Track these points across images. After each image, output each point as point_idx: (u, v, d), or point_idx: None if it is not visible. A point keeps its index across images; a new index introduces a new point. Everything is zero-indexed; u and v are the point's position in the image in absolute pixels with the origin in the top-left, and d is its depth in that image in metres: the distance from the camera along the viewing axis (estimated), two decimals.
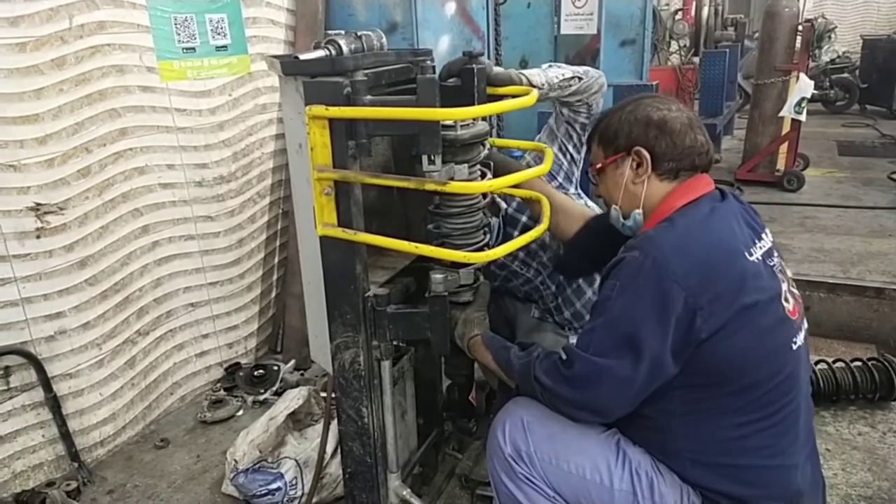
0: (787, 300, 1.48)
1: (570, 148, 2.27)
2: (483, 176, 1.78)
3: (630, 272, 1.40)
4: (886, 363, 2.76)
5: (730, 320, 1.36)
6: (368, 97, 1.55)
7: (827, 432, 2.59)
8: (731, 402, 1.42)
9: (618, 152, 1.60)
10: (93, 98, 2.52)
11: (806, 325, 1.56)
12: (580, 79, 2.09)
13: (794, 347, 1.47)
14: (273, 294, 3.53)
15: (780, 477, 1.45)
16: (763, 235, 1.54)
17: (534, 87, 1.90)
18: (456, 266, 1.77)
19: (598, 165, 1.67)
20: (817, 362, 2.84)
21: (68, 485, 2.46)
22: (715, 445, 1.45)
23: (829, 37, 6.17)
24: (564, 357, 1.46)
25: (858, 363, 2.81)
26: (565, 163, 2.28)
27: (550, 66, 2.07)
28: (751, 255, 1.45)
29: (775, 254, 1.55)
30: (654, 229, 1.50)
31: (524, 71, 1.96)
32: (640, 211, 1.60)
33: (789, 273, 1.57)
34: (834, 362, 2.82)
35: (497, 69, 1.85)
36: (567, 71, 2.07)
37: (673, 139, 1.53)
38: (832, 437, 2.57)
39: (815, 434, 1.59)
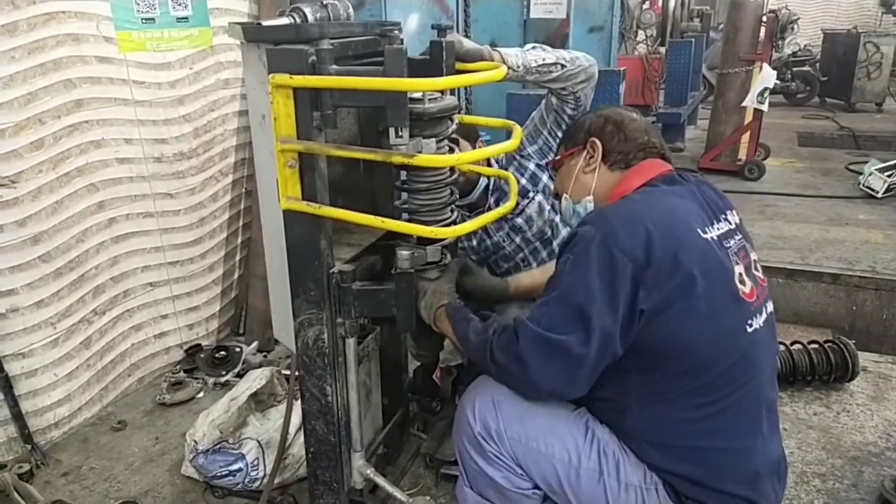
0: (742, 282, 1.45)
1: (560, 134, 2.24)
2: (451, 151, 1.75)
3: (582, 246, 1.41)
4: (842, 346, 2.82)
5: (672, 295, 1.35)
6: (334, 67, 1.51)
7: (784, 412, 2.65)
8: (684, 385, 1.41)
9: (575, 146, 1.71)
10: (47, 67, 2.43)
11: (770, 308, 1.54)
12: (563, 66, 2.01)
13: (749, 330, 1.44)
14: (236, 275, 3.46)
15: (737, 459, 1.45)
16: (723, 217, 1.53)
17: (507, 66, 1.87)
18: (422, 242, 1.75)
19: (557, 158, 1.79)
20: None
21: (20, 467, 2.39)
22: (670, 428, 1.45)
23: (792, 28, 6.26)
24: (516, 332, 1.44)
25: (815, 346, 2.86)
26: (555, 145, 2.26)
27: (534, 47, 2.00)
28: (704, 232, 1.44)
29: (737, 236, 1.53)
30: (607, 206, 1.56)
31: (502, 49, 1.91)
32: (590, 198, 1.67)
33: (754, 256, 1.56)
34: (791, 344, 2.88)
35: (468, 44, 1.81)
36: (550, 56, 1.99)
37: (625, 135, 1.64)
38: (789, 416, 2.63)
39: (778, 416, 1.59)
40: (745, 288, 1.46)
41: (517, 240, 2.38)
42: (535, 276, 2.09)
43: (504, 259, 2.46)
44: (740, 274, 1.46)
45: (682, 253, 1.37)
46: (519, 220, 2.35)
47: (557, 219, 2.29)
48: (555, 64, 2.00)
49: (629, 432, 1.50)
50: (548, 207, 2.30)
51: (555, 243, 2.32)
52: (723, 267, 1.42)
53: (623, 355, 1.40)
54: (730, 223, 1.54)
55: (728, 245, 1.48)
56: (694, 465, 1.44)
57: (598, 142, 1.64)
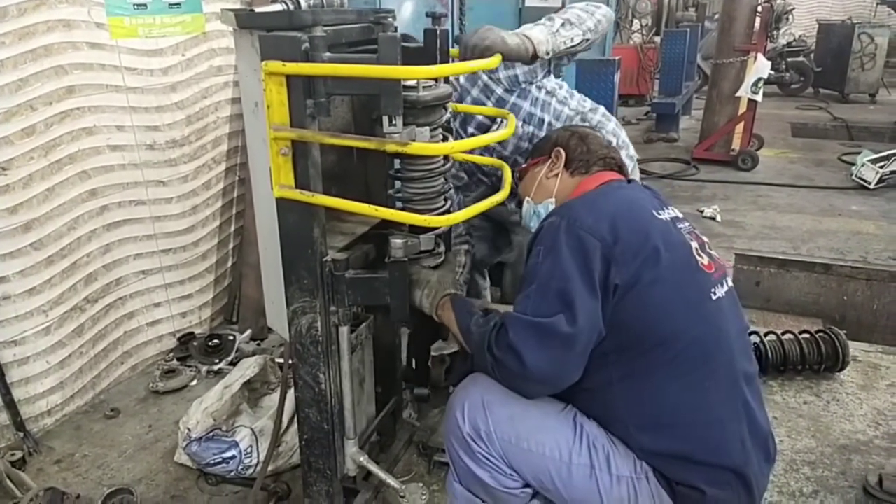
0: (700, 255, 1.56)
1: (552, 66, 2.26)
2: (445, 140, 1.75)
3: (550, 235, 1.50)
4: (833, 336, 2.84)
5: (641, 268, 1.44)
6: (328, 54, 1.50)
7: (774, 401, 2.67)
8: (659, 356, 1.46)
9: (541, 156, 1.86)
10: (38, 53, 2.41)
11: (730, 283, 1.63)
12: (587, 39, 2.04)
13: (714, 298, 1.53)
14: (229, 263, 3.46)
15: (722, 429, 1.48)
16: (670, 207, 1.67)
17: (536, 56, 1.89)
18: (416, 231, 1.75)
19: (522, 167, 1.93)
20: (766, 334, 2.91)
21: (13, 455, 2.39)
22: (655, 406, 1.48)
23: (787, 18, 6.26)
24: (504, 325, 1.46)
25: (806, 335, 2.88)
26: (540, 74, 2.28)
27: (565, 25, 1.98)
28: (659, 214, 1.58)
29: (686, 222, 1.66)
30: (568, 200, 1.68)
31: (530, 33, 1.90)
32: (552, 200, 1.80)
33: (705, 238, 1.67)
34: (783, 334, 2.90)
35: (511, 41, 1.81)
36: (577, 33, 2.00)
37: (588, 147, 1.80)
38: (779, 405, 2.65)
39: (762, 395, 1.62)
40: (704, 260, 1.56)
41: (486, 182, 2.38)
42: None
43: (484, 175, 2.48)
44: (696, 249, 1.57)
45: (644, 229, 1.50)
46: (486, 168, 2.36)
47: (532, 128, 2.29)
48: (581, 41, 2.02)
49: (615, 420, 1.52)
50: (519, 123, 2.29)
51: None
52: (681, 241, 1.55)
53: (604, 337, 1.45)
54: (677, 213, 1.67)
55: (681, 226, 1.61)
56: (681, 441, 1.46)
57: (562, 150, 1.80)
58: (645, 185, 1.78)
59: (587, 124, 2.31)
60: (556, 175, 1.80)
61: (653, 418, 1.48)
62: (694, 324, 1.49)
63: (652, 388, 1.48)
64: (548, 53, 1.91)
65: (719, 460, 1.46)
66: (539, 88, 2.32)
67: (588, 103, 2.47)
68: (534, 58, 1.92)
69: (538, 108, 2.30)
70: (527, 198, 1.88)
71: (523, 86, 2.29)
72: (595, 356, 1.47)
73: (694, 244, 1.57)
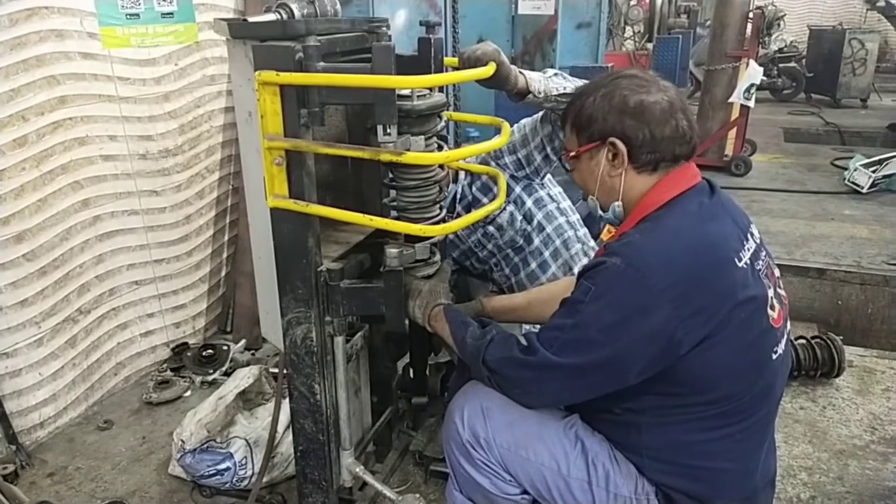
0: (772, 307, 1.41)
1: (549, 150, 2.15)
2: (440, 149, 1.75)
3: (607, 279, 1.33)
4: (828, 341, 2.84)
5: (711, 333, 1.31)
6: (322, 64, 1.50)
7: None
8: (703, 412, 1.40)
9: (592, 141, 1.48)
10: (30, 64, 2.40)
11: (788, 328, 1.51)
12: None
13: (774, 357, 1.43)
14: (223, 272, 3.44)
15: (738, 478, 1.46)
16: (749, 234, 1.45)
17: (529, 91, 1.84)
18: (411, 240, 1.74)
19: (573, 154, 1.54)
20: None
21: (5, 468, 2.36)
22: (678, 447, 1.44)
23: (779, 24, 6.30)
24: (525, 345, 1.43)
25: (802, 341, 2.88)
26: (538, 159, 2.19)
27: (557, 74, 1.94)
28: (739, 260, 1.36)
29: (762, 253, 1.46)
30: (638, 232, 1.40)
31: (527, 73, 1.86)
32: (619, 203, 1.50)
33: (777, 272, 1.52)
34: None
35: (505, 60, 1.75)
36: (570, 86, 1.90)
37: (651, 129, 1.40)
38: None
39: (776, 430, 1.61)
40: (774, 314, 1.41)
41: (489, 246, 2.38)
42: (513, 299, 2.05)
43: (479, 262, 2.48)
44: (771, 298, 1.41)
45: (723, 291, 1.32)
46: (490, 228, 2.34)
47: (529, 228, 2.29)
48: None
49: (632, 447, 1.49)
50: (519, 218, 2.28)
51: (526, 251, 2.32)
52: (759, 297, 1.37)
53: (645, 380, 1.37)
54: (755, 239, 1.46)
55: (758, 267, 1.41)
56: (695, 483, 1.44)
57: (619, 143, 1.43)
58: (724, 197, 1.49)
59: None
60: (620, 174, 1.46)
61: (673, 457, 1.45)
62: (749, 386, 1.39)
63: (682, 433, 1.42)
64: (540, 93, 1.85)
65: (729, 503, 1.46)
66: (543, 187, 2.32)
67: (576, 220, 2.41)
68: (523, 93, 1.85)
69: (540, 210, 2.29)
70: (591, 196, 1.57)
71: (528, 174, 2.24)
72: (628, 389, 1.39)
73: (770, 291, 1.41)
